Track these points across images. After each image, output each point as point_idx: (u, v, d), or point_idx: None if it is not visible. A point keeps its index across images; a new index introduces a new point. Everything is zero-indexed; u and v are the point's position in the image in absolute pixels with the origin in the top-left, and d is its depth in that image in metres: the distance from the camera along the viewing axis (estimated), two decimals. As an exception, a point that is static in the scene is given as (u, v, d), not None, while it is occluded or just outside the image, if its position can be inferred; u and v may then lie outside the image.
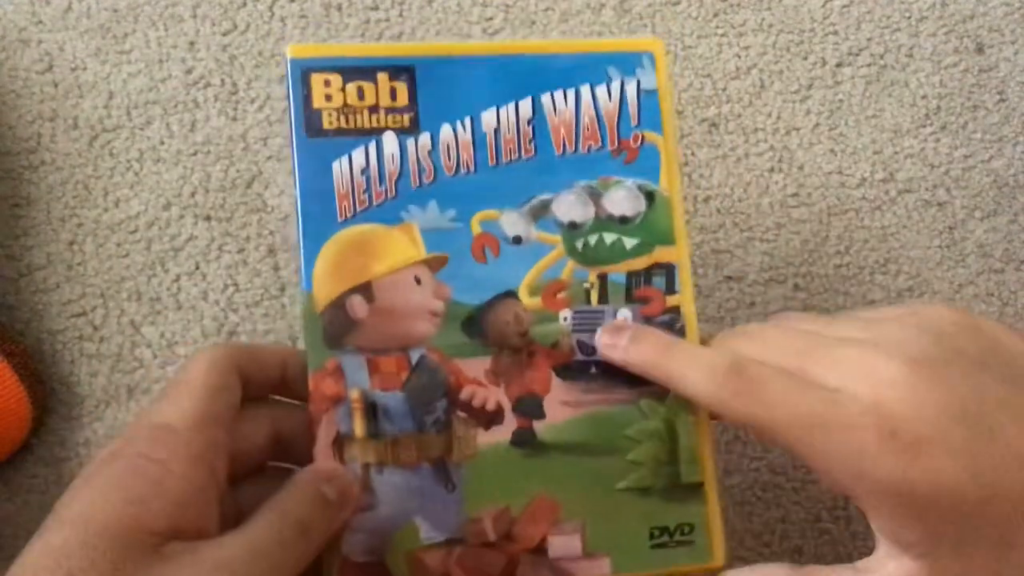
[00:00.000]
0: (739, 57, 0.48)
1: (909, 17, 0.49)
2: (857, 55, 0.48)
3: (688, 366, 0.29)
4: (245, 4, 0.45)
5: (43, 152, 0.43)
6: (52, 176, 0.43)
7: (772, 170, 0.47)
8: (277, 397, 0.32)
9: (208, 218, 0.44)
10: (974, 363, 0.26)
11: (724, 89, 0.47)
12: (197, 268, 0.43)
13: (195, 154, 0.44)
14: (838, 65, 0.48)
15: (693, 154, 0.47)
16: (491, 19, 0.46)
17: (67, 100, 0.44)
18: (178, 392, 0.28)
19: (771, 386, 0.27)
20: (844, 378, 0.26)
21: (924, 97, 0.48)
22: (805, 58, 0.48)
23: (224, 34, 0.45)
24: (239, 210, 0.44)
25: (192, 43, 0.45)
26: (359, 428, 0.31)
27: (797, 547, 0.43)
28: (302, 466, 0.30)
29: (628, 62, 0.34)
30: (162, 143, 0.44)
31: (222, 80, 0.44)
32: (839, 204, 0.47)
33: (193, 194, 0.44)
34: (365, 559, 0.30)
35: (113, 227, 0.43)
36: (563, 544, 0.31)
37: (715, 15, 0.48)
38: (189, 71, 0.44)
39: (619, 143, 0.33)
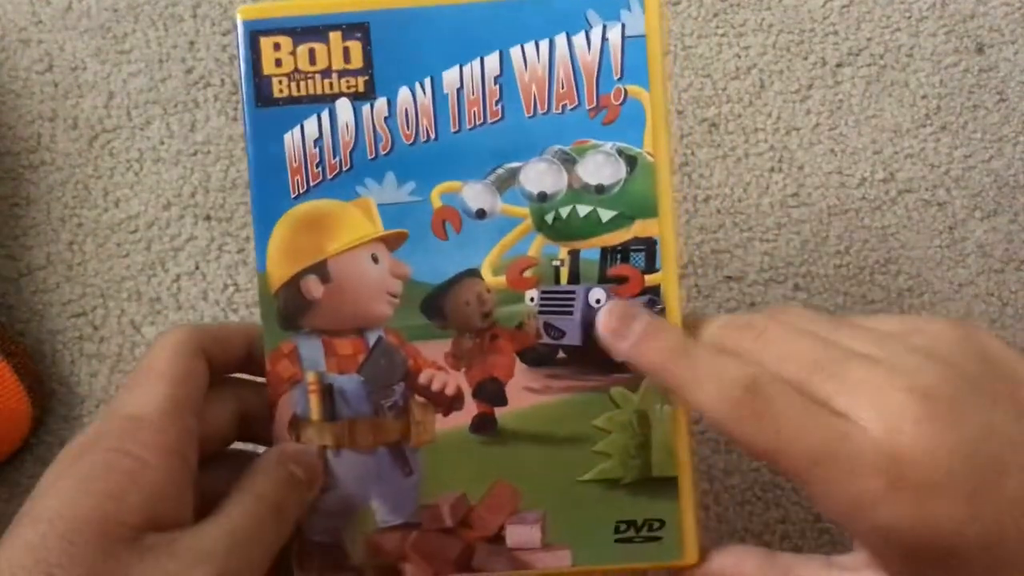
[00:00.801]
0: (739, 57, 0.48)
1: (909, 17, 0.49)
2: (857, 55, 0.48)
3: (703, 378, 0.27)
4: (245, 4, 0.45)
5: (43, 152, 0.43)
6: (52, 176, 0.43)
7: (772, 170, 0.47)
8: (240, 375, 0.32)
9: (208, 218, 0.44)
10: (984, 398, 0.25)
11: (724, 89, 0.47)
12: (197, 268, 0.43)
13: (195, 154, 0.44)
14: (838, 65, 0.48)
15: (693, 154, 0.47)
16: None
17: (67, 100, 0.44)
18: (146, 380, 0.28)
19: (785, 414, 0.26)
20: (854, 404, 0.25)
21: (924, 97, 0.48)
22: (805, 58, 0.48)
23: (224, 34, 0.45)
24: (239, 210, 0.44)
25: (192, 43, 0.45)
26: (315, 411, 0.30)
27: (797, 547, 0.43)
28: (266, 445, 0.30)
29: (611, 4, 0.30)
30: (162, 143, 0.44)
31: (222, 80, 0.44)
32: (839, 204, 0.47)
33: (193, 194, 0.44)
34: (323, 539, 0.30)
35: (113, 227, 0.43)
36: (522, 533, 0.30)
37: (715, 15, 0.48)
38: (189, 71, 0.44)
39: (598, 100, 0.30)
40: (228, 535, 0.26)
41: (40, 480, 0.26)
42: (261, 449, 0.30)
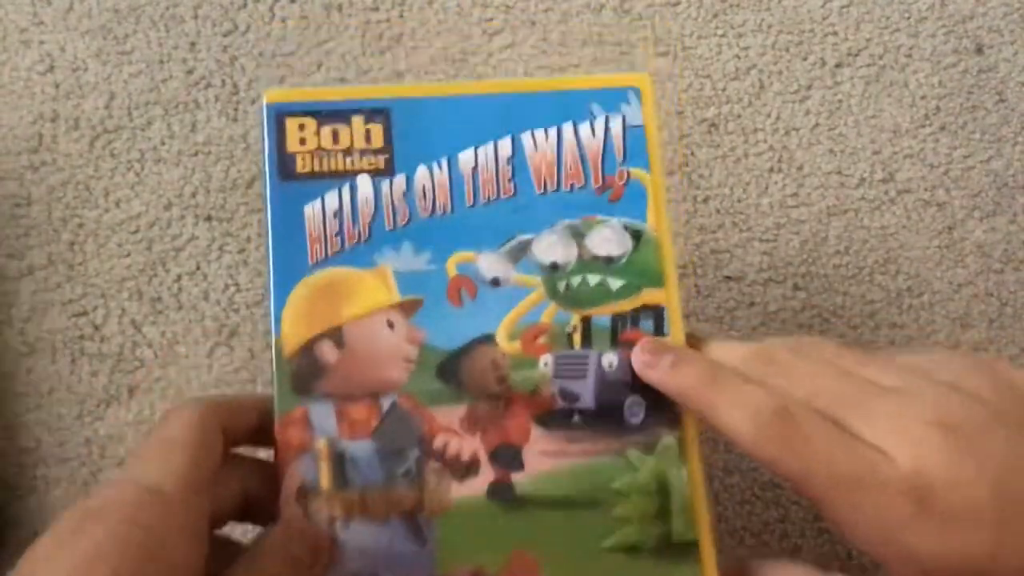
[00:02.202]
0: (739, 58, 0.48)
1: (908, 17, 0.49)
2: (856, 55, 0.48)
3: (733, 403, 0.27)
4: (246, 5, 0.45)
5: (44, 152, 0.43)
6: (53, 176, 0.43)
7: (771, 170, 0.47)
8: (243, 453, 0.31)
9: (209, 218, 0.44)
10: (1009, 429, 0.26)
11: (724, 89, 0.47)
12: (198, 268, 0.43)
13: (196, 154, 0.44)
14: (837, 65, 0.48)
15: (693, 154, 0.47)
16: (491, 20, 0.47)
17: (68, 101, 0.44)
18: (167, 452, 0.27)
19: (815, 439, 0.26)
20: (881, 436, 0.26)
21: (923, 97, 0.48)
22: (804, 58, 0.48)
23: (225, 35, 0.45)
24: (240, 210, 0.44)
25: (193, 44, 0.45)
26: (325, 479, 0.29)
27: (796, 546, 0.43)
28: (263, 526, 0.30)
29: (612, 98, 0.33)
30: (163, 143, 0.44)
31: (223, 81, 0.45)
32: (838, 204, 0.47)
33: (194, 194, 0.44)
34: None
35: (114, 227, 0.43)
36: None
37: (715, 16, 0.48)
38: (190, 72, 0.45)
39: (603, 181, 0.32)
40: None
41: (38, 546, 0.24)
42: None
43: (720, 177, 0.47)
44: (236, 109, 0.44)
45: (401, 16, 0.46)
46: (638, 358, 0.30)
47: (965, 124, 0.49)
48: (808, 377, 0.28)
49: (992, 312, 0.47)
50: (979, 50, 0.49)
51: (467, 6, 0.46)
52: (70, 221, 0.43)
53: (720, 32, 0.48)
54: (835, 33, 0.48)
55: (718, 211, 0.46)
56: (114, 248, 0.43)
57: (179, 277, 0.43)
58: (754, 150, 0.47)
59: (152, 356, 0.43)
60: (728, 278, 0.46)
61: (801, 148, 0.47)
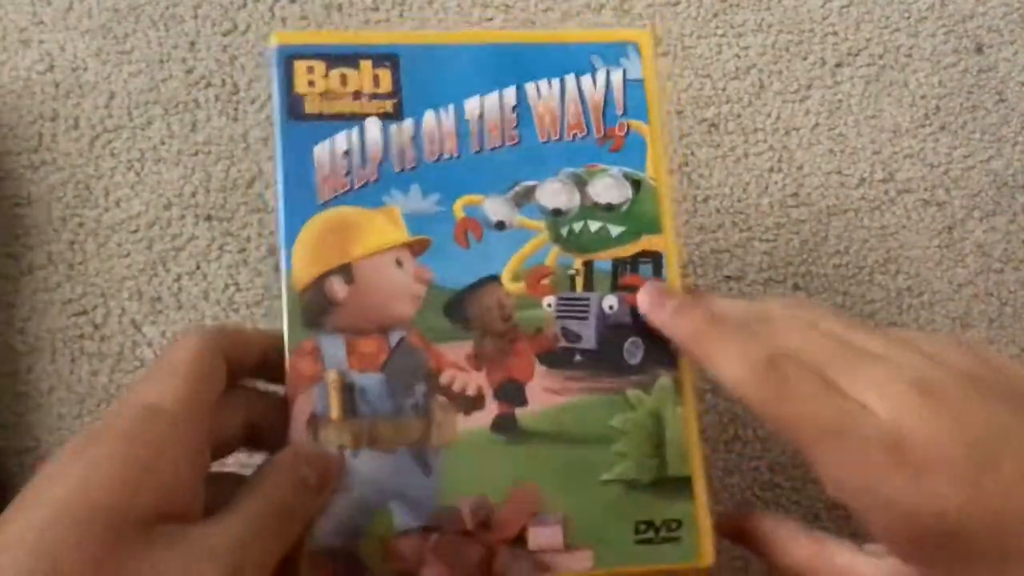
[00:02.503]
0: (738, 57, 0.48)
1: (908, 17, 0.49)
2: (856, 55, 0.48)
3: (729, 350, 0.29)
4: (246, 4, 0.45)
5: (44, 152, 0.43)
6: (53, 176, 0.43)
7: (771, 170, 0.47)
8: (251, 383, 0.32)
9: (209, 218, 0.44)
10: (985, 394, 0.27)
11: (724, 89, 0.47)
12: (198, 268, 0.43)
13: (196, 154, 0.44)
14: (837, 65, 0.48)
15: (693, 154, 0.47)
16: (491, 20, 0.47)
17: (68, 100, 0.44)
18: (168, 374, 0.27)
19: (803, 389, 0.27)
20: (863, 394, 0.27)
21: (923, 97, 0.48)
22: (804, 58, 0.48)
23: (225, 34, 0.45)
24: (240, 210, 0.44)
25: (193, 43, 0.45)
26: (335, 409, 0.30)
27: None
28: (272, 453, 0.30)
29: (613, 52, 0.34)
30: (163, 143, 0.44)
31: (223, 80, 0.45)
32: (838, 204, 0.47)
33: (194, 194, 0.44)
34: (336, 543, 0.29)
35: (114, 227, 0.43)
36: (544, 535, 0.30)
37: (714, 15, 0.48)
38: (190, 71, 0.45)
39: (605, 131, 0.33)
40: (235, 534, 0.25)
41: (48, 463, 0.26)
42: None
43: (720, 177, 0.47)
44: (236, 109, 0.44)
45: (401, 16, 0.46)
46: (644, 299, 0.32)
47: (965, 124, 0.49)
48: (798, 337, 0.29)
49: (992, 312, 0.47)
50: (979, 50, 0.49)
51: (467, 6, 0.46)
52: (70, 220, 0.43)
53: (720, 32, 0.48)
54: (835, 33, 0.48)
55: (718, 211, 0.46)
56: (114, 248, 0.43)
57: (179, 277, 0.43)
58: (754, 150, 0.47)
59: (152, 356, 0.43)
60: (728, 278, 0.46)
61: (801, 148, 0.47)
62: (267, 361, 0.31)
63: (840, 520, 0.43)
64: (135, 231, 0.43)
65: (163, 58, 0.44)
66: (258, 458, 0.30)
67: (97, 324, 0.43)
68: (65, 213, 0.43)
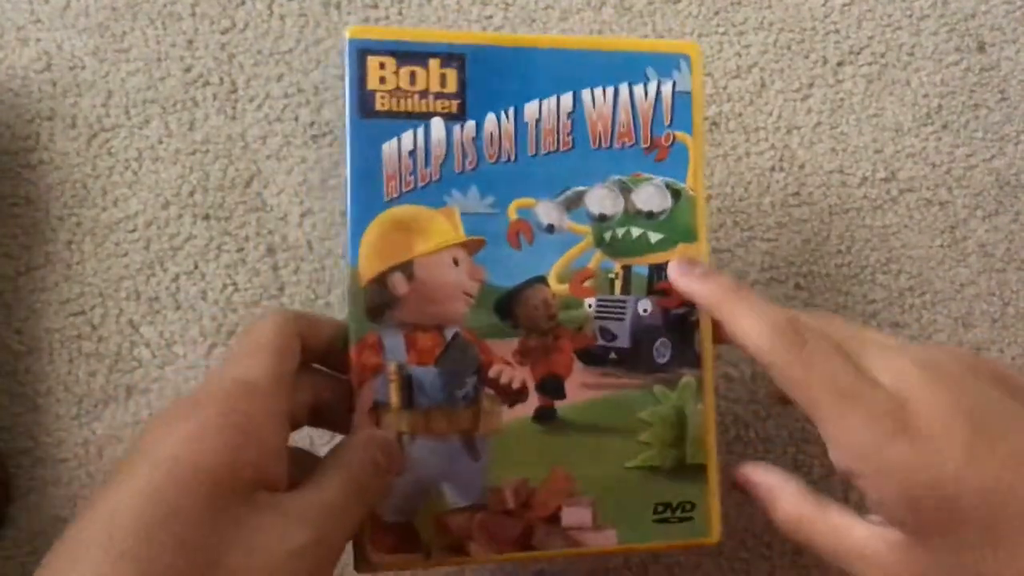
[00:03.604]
0: (740, 56, 0.47)
1: (910, 15, 0.49)
2: (858, 54, 0.48)
3: (750, 314, 0.30)
4: (244, 2, 0.45)
5: (41, 151, 0.43)
6: (50, 175, 0.43)
7: (773, 169, 0.47)
8: (317, 366, 0.33)
9: (207, 217, 0.43)
10: (985, 379, 0.29)
11: (725, 88, 0.47)
12: (196, 268, 0.43)
13: (194, 153, 0.44)
14: (839, 64, 0.48)
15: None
16: (490, 17, 0.46)
17: (65, 99, 0.44)
18: (255, 351, 0.29)
19: (818, 353, 0.29)
20: (873, 368, 0.29)
21: (925, 96, 0.48)
22: (806, 57, 0.48)
23: (223, 32, 0.45)
24: (238, 209, 0.44)
25: (191, 41, 0.44)
26: (395, 399, 0.32)
27: (797, 547, 0.43)
28: (338, 432, 0.33)
29: (666, 63, 0.35)
30: (161, 142, 0.44)
31: (221, 79, 0.44)
32: (840, 203, 0.47)
33: (192, 193, 0.43)
34: (396, 519, 0.32)
35: (112, 226, 0.43)
36: (575, 515, 0.33)
37: (716, 13, 0.48)
38: (188, 70, 0.44)
39: (652, 141, 0.35)
40: (323, 505, 0.28)
41: (147, 426, 0.27)
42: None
43: (721, 176, 0.46)
44: (234, 107, 0.44)
45: (400, 13, 0.46)
46: (674, 269, 0.33)
47: (967, 123, 0.48)
48: (814, 323, 0.31)
49: (994, 312, 0.47)
50: (981, 48, 0.49)
51: (466, 3, 0.46)
52: (67, 220, 0.43)
53: (721, 30, 0.48)
54: (837, 31, 0.48)
55: (719, 210, 0.46)
56: (111, 247, 0.43)
57: (177, 277, 0.43)
58: (755, 149, 0.47)
59: (150, 356, 0.43)
60: (729, 277, 0.46)
61: (803, 147, 0.47)
62: (332, 349, 0.33)
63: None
64: (133, 231, 0.43)
65: (161, 56, 0.44)
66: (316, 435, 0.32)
67: (95, 324, 0.42)
68: (62, 213, 0.43)
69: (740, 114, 0.47)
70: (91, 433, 0.42)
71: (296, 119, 0.44)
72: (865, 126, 0.48)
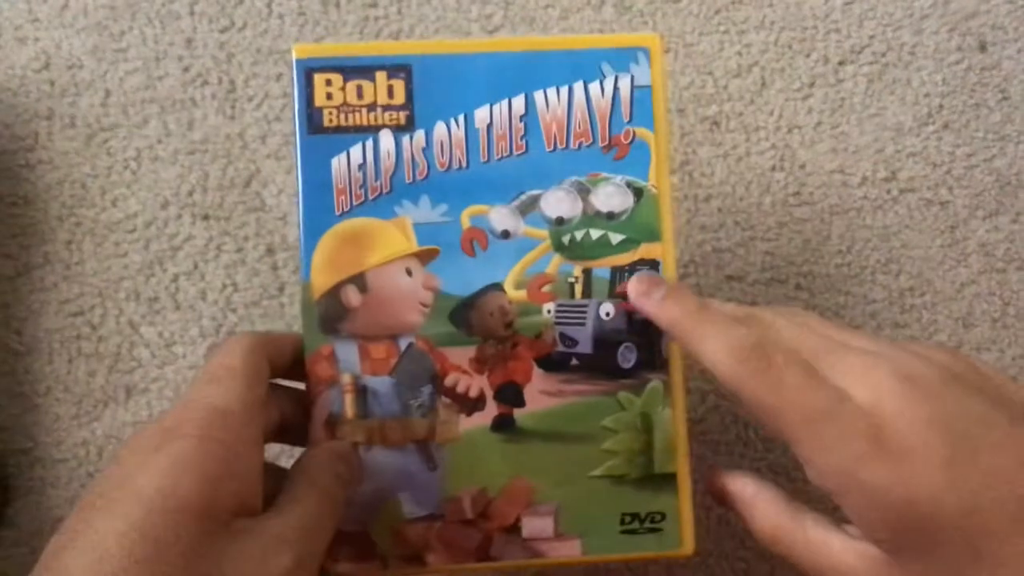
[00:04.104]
0: (740, 55, 0.47)
1: (911, 15, 0.49)
2: (859, 53, 0.48)
3: (715, 337, 0.29)
4: (243, 1, 0.45)
5: (40, 151, 0.43)
6: (49, 175, 0.43)
7: (773, 169, 0.47)
8: (277, 381, 0.33)
9: (206, 217, 0.43)
10: (964, 387, 0.28)
11: (725, 87, 0.47)
12: (195, 268, 0.43)
13: (193, 153, 0.44)
14: (840, 63, 0.48)
15: (694, 152, 0.46)
16: (490, 16, 0.46)
17: (64, 98, 0.43)
18: (226, 377, 0.29)
19: (787, 375, 0.28)
20: (846, 382, 0.28)
21: (926, 95, 0.48)
22: (807, 56, 0.48)
23: (222, 31, 0.44)
24: (237, 209, 0.43)
25: (189, 41, 0.44)
26: (350, 409, 0.32)
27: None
28: (297, 446, 0.33)
29: (623, 57, 0.34)
30: (160, 142, 0.44)
31: (220, 78, 0.44)
32: (841, 203, 0.47)
33: (191, 193, 0.43)
34: (352, 530, 0.32)
35: (111, 226, 0.43)
36: (536, 525, 0.33)
37: (716, 12, 0.47)
38: (186, 69, 0.44)
39: (610, 140, 0.34)
40: (302, 524, 0.28)
41: (121, 454, 0.27)
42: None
43: (722, 175, 0.46)
44: (233, 107, 0.44)
45: (399, 12, 0.46)
46: (634, 288, 0.32)
47: (968, 122, 0.48)
48: (787, 332, 0.30)
49: (995, 312, 0.47)
50: (982, 48, 0.49)
51: (466, 2, 0.46)
52: (66, 220, 0.43)
53: (722, 29, 0.47)
54: (838, 30, 0.48)
55: (720, 210, 0.46)
56: (111, 247, 0.43)
57: (176, 277, 0.43)
58: (756, 148, 0.47)
59: (149, 356, 0.42)
60: (730, 277, 0.46)
61: (803, 146, 0.47)
62: (297, 361, 0.33)
63: (842, 520, 0.43)
64: (132, 231, 0.43)
65: (159, 56, 0.44)
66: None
67: (94, 324, 0.42)
68: (62, 212, 0.43)
69: (740, 113, 0.47)
70: (91, 433, 0.42)
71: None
72: (866, 126, 0.48)
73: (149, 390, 0.42)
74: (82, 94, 0.44)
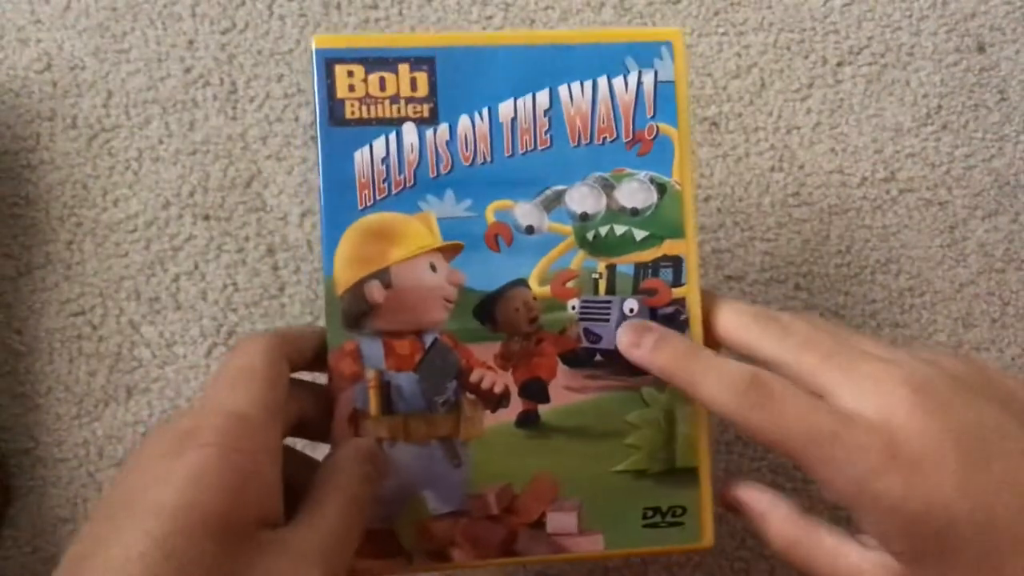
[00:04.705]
0: (740, 56, 0.47)
1: (910, 16, 0.49)
2: (858, 54, 0.48)
3: (710, 377, 0.29)
4: (244, 3, 0.45)
5: (42, 151, 0.43)
6: (51, 175, 0.43)
7: (773, 169, 0.47)
8: (298, 377, 0.33)
9: (207, 217, 0.43)
10: (976, 395, 0.28)
11: (725, 88, 0.47)
12: (196, 268, 0.43)
13: (194, 153, 0.44)
14: (839, 64, 0.48)
15: (694, 153, 0.47)
16: (491, 17, 0.46)
17: (66, 99, 0.44)
18: (245, 380, 0.29)
19: (788, 403, 0.28)
20: (856, 393, 0.28)
21: (925, 96, 0.48)
22: (806, 57, 0.48)
23: (223, 33, 0.45)
24: (238, 209, 0.44)
25: (191, 42, 0.45)
26: (374, 406, 0.32)
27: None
28: (317, 441, 0.32)
29: (647, 52, 0.34)
30: (161, 142, 0.44)
31: (221, 79, 0.44)
32: (840, 203, 0.47)
33: (192, 193, 0.43)
34: (377, 527, 0.32)
35: (112, 226, 0.43)
36: (560, 520, 0.33)
37: (715, 13, 0.48)
38: (188, 70, 0.44)
39: (634, 135, 0.34)
40: (330, 534, 0.27)
41: (137, 461, 0.26)
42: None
43: (721, 176, 0.47)
44: (235, 108, 0.44)
45: (400, 14, 0.46)
46: (623, 339, 0.32)
47: (967, 123, 0.48)
48: (804, 332, 0.30)
49: (994, 312, 0.47)
50: (981, 48, 0.49)
51: (466, 3, 0.46)
52: (68, 220, 0.43)
53: (721, 30, 0.48)
54: (836, 31, 0.48)
55: (719, 210, 0.46)
56: (112, 247, 0.43)
57: (177, 277, 0.43)
58: (755, 149, 0.47)
59: (150, 356, 0.43)
60: (729, 277, 0.46)
61: (802, 147, 0.47)
62: (319, 355, 0.32)
63: (842, 522, 0.43)
64: (133, 231, 0.43)
65: (161, 57, 0.44)
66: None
67: (95, 324, 0.42)
68: (63, 213, 0.43)
69: (740, 114, 0.47)
70: (91, 433, 0.42)
71: (296, 119, 0.44)
72: (865, 126, 0.48)
73: (150, 390, 0.42)
74: (84, 95, 0.44)
